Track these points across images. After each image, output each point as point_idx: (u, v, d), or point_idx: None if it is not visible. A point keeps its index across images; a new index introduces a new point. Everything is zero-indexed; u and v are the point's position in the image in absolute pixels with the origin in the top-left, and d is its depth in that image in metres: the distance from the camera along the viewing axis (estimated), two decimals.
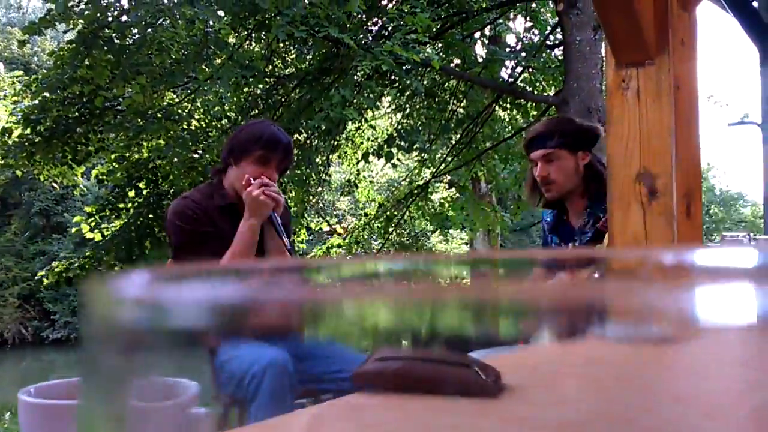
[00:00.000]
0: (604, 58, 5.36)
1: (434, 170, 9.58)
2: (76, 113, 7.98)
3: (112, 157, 8.67)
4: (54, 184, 10.64)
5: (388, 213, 9.79)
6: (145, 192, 8.76)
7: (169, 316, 0.21)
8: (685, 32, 2.20)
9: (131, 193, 8.81)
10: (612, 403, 0.92)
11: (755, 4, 3.42)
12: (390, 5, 7.99)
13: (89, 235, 8.98)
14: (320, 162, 8.97)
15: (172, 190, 8.20)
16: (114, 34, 7.31)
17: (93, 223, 8.94)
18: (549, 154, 2.32)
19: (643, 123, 2.12)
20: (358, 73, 7.12)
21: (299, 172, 8.15)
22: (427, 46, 7.67)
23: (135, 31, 7.37)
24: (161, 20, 7.06)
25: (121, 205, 8.86)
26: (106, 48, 7.19)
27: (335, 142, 9.17)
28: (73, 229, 9.77)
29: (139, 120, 7.60)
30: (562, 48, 7.33)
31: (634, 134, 2.14)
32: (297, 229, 9.36)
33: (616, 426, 0.84)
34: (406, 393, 0.94)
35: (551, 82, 8.93)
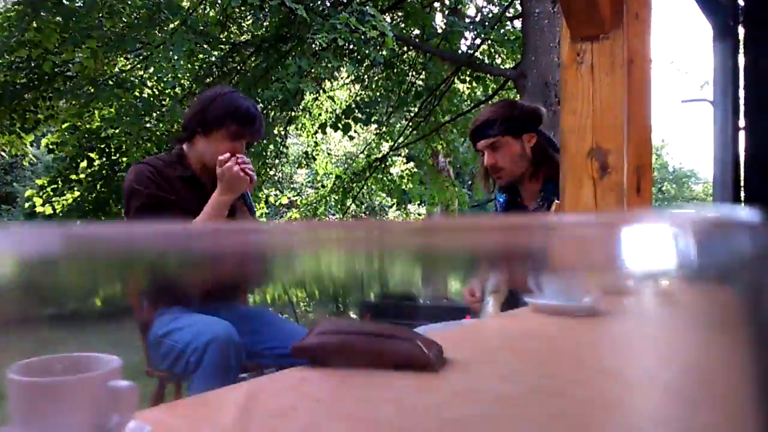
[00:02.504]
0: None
1: (393, 143, 9.56)
2: (24, 79, 7.74)
3: (63, 126, 8.45)
4: (2, 153, 10.35)
5: (345, 186, 9.76)
6: (97, 163, 8.58)
7: None
8: (640, 7, 2.21)
9: (83, 164, 8.62)
10: (545, 376, 0.92)
11: None
12: None
13: (41, 209, 8.79)
14: (277, 133, 8.87)
15: (125, 160, 8.04)
16: None
17: (45, 196, 8.75)
18: (493, 142, 2.32)
19: (596, 98, 2.13)
20: (315, 43, 7.03)
21: (256, 144, 8.04)
22: (386, 15, 7.60)
23: None
24: None
25: (74, 177, 8.68)
26: (54, 10, 6.97)
27: (292, 113, 9.08)
28: (26, 204, 9.54)
29: (90, 87, 7.40)
30: (521, 20, 7.33)
31: (587, 109, 2.15)
32: (256, 203, 9.27)
33: (549, 398, 0.85)
34: (347, 367, 0.92)
35: (510, 54, 8.95)
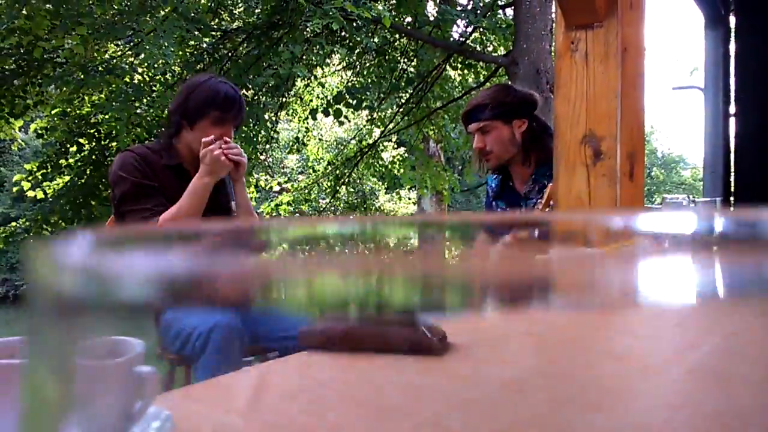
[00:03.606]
0: (554, 20, 5.38)
1: (383, 129, 9.56)
2: (14, 65, 7.68)
3: (53, 112, 8.40)
4: None
5: (338, 171, 9.76)
6: (86, 148, 8.54)
7: (112, 287, 0.21)
8: None
9: (73, 149, 8.58)
10: (555, 361, 0.94)
11: None
12: None
13: (30, 194, 8.77)
14: (268, 119, 8.86)
15: (114, 145, 8.01)
16: None
17: (33, 181, 8.71)
18: (483, 126, 2.34)
19: (590, 85, 2.14)
20: (307, 29, 7.00)
21: (247, 129, 8.04)
22: (378, 2, 7.58)
23: None
24: None
25: (63, 162, 8.63)
26: None
27: (284, 99, 9.06)
28: (14, 189, 9.50)
29: (80, 73, 7.36)
30: (512, 8, 7.33)
31: (581, 97, 2.16)
32: (247, 187, 9.24)
33: (557, 382, 0.86)
34: (353, 352, 0.94)
35: (501, 42, 8.95)
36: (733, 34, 2.93)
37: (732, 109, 3.00)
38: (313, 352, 1.00)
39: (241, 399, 0.74)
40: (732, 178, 3.08)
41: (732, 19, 2.94)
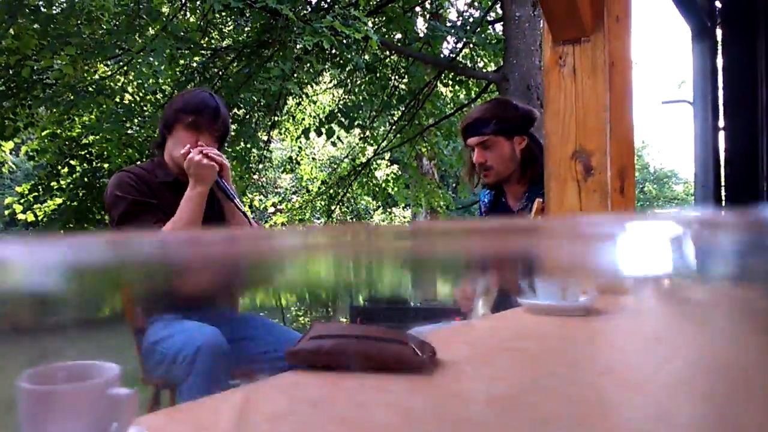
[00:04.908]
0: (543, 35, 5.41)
1: (376, 147, 9.58)
2: (3, 86, 7.67)
3: (43, 133, 8.37)
4: None
5: (331, 191, 9.76)
6: (78, 169, 8.52)
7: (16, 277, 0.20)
8: (620, 9, 2.23)
9: (64, 171, 8.56)
10: (541, 377, 0.94)
11: None
12: None
13: (21, 216, 8.73)
14: (259, 137, 8.86)
15: (106, 166, 7.98)
16: (40, 2, 7.05)
17: (26, 204, 8.68)
18: (485, 140, 2.33)
19: (578, 100, 2.15)
20: (297, 47, 7.02)
21: (239, 148, 8.03)
22: (368, 21, 7.61)
23: None
24: None
25: (55, 184, 8.60)
26: (32, 17, 6.93)
27: (275, 118, 9.07)
28: (6, 212, 9.46)
29: (70, 94, 7.34)
30: (502, 24, 7.37)
31: (570, 111, 2.16)
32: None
33: (546, 398, 0.86)
34: (341, 371, 0.93)
35: (492, 58, 8.99)
36: (720, 47, 2.95)
37: (721, 122, 3.01)
38: (300, 372, 0.99)
39: (226, 421, 0.73)
40: (723, 192, 3.09)
41: (719, 32, 2.96)
